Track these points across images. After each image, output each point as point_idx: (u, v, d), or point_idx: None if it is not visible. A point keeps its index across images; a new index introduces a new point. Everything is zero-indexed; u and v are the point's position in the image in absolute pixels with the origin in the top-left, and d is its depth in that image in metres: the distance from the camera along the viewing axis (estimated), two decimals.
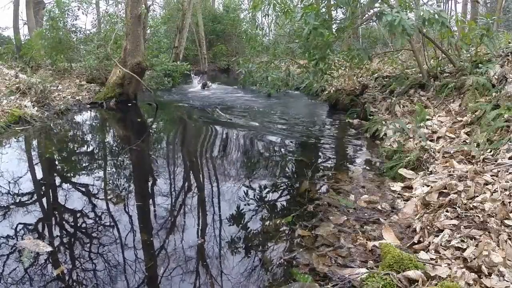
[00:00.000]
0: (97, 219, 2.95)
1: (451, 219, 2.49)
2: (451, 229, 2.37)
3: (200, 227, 2.86)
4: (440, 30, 4.95)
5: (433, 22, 4.45)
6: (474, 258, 2.02)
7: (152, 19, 14.77)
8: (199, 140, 5.72)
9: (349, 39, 9.07)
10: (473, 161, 3.33)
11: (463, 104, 4.69)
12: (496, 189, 2.65)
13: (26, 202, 3.26)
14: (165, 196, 3.48)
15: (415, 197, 3.06)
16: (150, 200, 3.45)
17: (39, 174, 4.16)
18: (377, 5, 5.17)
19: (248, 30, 12.43)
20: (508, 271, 1.89)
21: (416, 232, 2.52)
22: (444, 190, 2.90)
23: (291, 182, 3.81)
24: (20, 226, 2.76)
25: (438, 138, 4.10)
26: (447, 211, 2.59)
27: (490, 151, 3.32)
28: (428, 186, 3.09)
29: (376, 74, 8.52)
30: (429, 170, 3.47)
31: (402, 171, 3.60)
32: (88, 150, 5.19)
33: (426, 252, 2.23)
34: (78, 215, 3.01)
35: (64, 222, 2.93)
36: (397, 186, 3.39)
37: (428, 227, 2.50)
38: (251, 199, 3.36)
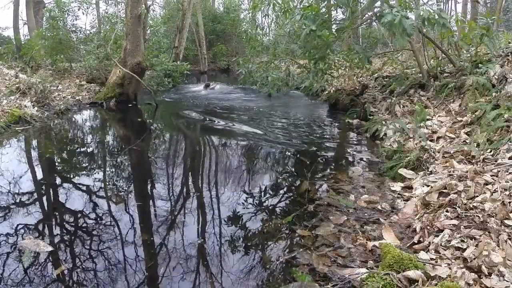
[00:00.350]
0: (97, 219, 2.96)
1: (451, 219, 2.49)
2: (451, 229, 2.37)
3: (200, 227, 2.87)
4: (440, 31, 4.95)
5: (433, 22, 4.45)
6: (474, 258, 2.02)
7: (152, 20, 14.78)
8: (199, 140, 5.72)
9: (349, 39, 9.07)
10: (473, 161, 3.33)
11: (463, 104, 4.70)
12: (496, 189, 2.65)
13: (27, 202, 3.26)
14: (165, 196, 3.48)
15: (415, 197, 3.06)
16: (150, 200, 3.45)
17: (39, 174, 4.16)
18: (377, 5, 5.18)
19: (248, 30, 12.44)
20: (508, 271, 1.89)
21: (416, 232, 2.52)
22: (444, 190, 2.91)
23: (291, 182, 3.81)
24: (20, 226, 2.76)
25: (438, 138, 4.10)
26: (447, 211, 2.59)
27: (490, 151, 3.32)
28: (428, 186, 3.10)
29: (376, 74, 8.52)
30: (429, 170, 3.47)
31: (402, 171, 3.60)
32: (88, 150, 5.19)
33: (426, 252, 2.23)
34: (78, 215, 3.01)
35: (64, 222, 2.93)
36: (397, 186, 3.39)
37: (428, 227, 2.50)
38: (251, 199, 3.36)
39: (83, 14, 12.20)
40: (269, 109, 8.50)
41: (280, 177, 3.97)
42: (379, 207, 3.03)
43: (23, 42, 12.42)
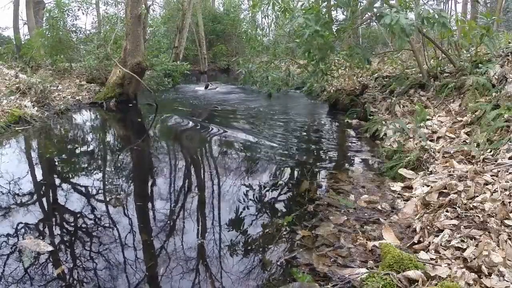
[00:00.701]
0: (97, 219, 2.96)
1: (451, 219, 2.49)
2: (451, 229, 2.37)
3: (200, 227, 2.87)
4: (440, 30, 4.95)
5: (433, 22, 4.44)
6: (474, 258, 2.02)
7: (152, 20, 14.78)
8: (199, 140, 5.72)
9: (349, 39, 9.07)
10: (473, 161, 3.33)
11: (463, 104, 4.70)
12: (496, 189, 2.65)
13: (27, 202, 3.26)
14: (165, 196, 3.48)
15: (415, 197, 3.06)
16: (150, 200, 3.45)
17: (39, 174, 4.16)
18: (377, 5, 5.17)
19: (248, 30, 12.44)
20: (508, 271, 1.89)
21: (416, 232, 2.53)
22: (444, 190, 2.91)
23: (291, 182, 3.81)
24: (20, 226, 2.76)
25: (438, 138, 4.10)
26: (447, 211, 2.59)
27: (490, 151, 3.32)
28: (428, 186, 3.10)
29: (376, 74, 8.52)
30: (429, 170, 3.47)
31: (402, 171, 3.60)
32: (88, 150, 5.19)
33: (426, 252, 2.23)
34: (79, 215, 3.01)
35: (64, 222, 2.93)
36: (397, 186, 3.39)
37: (428, 227, 2.50)
38: (251, 199, 3.36)
39: (83, 14, 12.20)
40: (269, 109, 8.50)
41: (280, 177, 3.97)
42: (379, 207, 3.03)
43: (23, 42, 12.41)
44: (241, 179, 3.88)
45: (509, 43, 5.91)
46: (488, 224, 2.29)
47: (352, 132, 5.94)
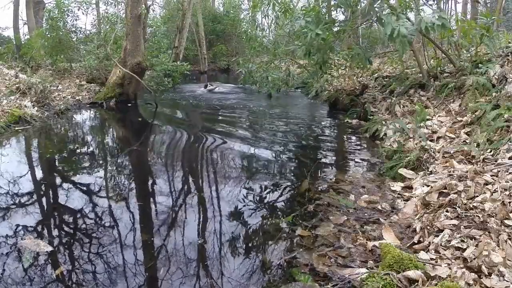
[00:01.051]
0: (97, 219, 2.96)
1: (451, 219, 2.49)
2: (451, 229, 2.37)
3: (200, 227, 2.87)
4: (440, 31, 4.94)
5: (432, 28, 4.43)
6: (474, 258, 2.02)
7: (152, 20, 14.79)
8: (199, 139, 5.72)
9: (349, 39, 9.07)
10: (473, 161, 3.33)
11: (463, 104, 4.70)
12: (496, 189, 2.65)
13: (27, 202, 3.26)
14: (165, 196, 3.48)
15: (415, 197, 3.06)
16: (150, 200, 3.45)
17: (39, 174, 4.16)
18: (377, 5, 5.17)
19: (248, 30, 12.43)
20: (508, 271, 1.89)
21: (416, 232, 2.53)
22: (444, 190, 2.91)
23: (291, 182, 3.81)
24: (20, 226, 2.76)
25: (438, 138, 4.10)
26: (447, 211, 2.59)
27: (490, 151, 3.32)
28: (428, 186, 3.10)
29: (376, 74, 8.52)
30: (429, 170, 3.47)
31: (402, 171, 3.60)
32: (88, 150, 5.19)
33: (426, 252, 2.23)
34: (79, 215, 3.01)
35: (64, 222, 2.93)
36: (397, 186, 3.39)
37: (428, 227, 2.50)
38: (251, 199, 3.36)
39: (83, 14, 12.21)
40: (269, 109, 8.51)
41: (280, 177, 3.97)
42: (379, 207, 3.03)
43: (23, 42, 12.41)
44: (241, 180, 3.88)
45: (509, 43, 5.91)
46: (488, 224, 2.29)
47: (352, 132, 5.94)
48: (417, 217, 2.75)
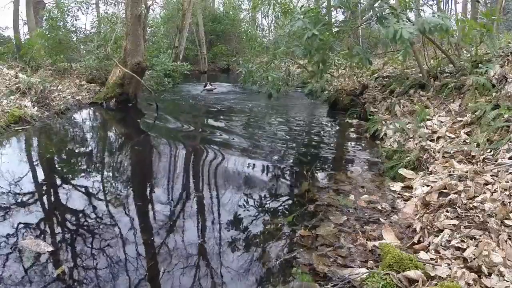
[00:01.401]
0: (97, 219, 2.95)
1: (451, 219, 2.49)
2: (451, 229, 2.37)
3: (200, 227, 2.87)
4: (442, 34, 4.94)
5: (434, 30, 4.42)
6: (474, 258, 2.02)
7: (152, 20, 14.79)
8: (200, 139, 5.72)
9: (349, 39, 9.06)
10: (473, 161, 3.33)
11: (463, 104, 4.70)
12: (496, 189, 2.65)
13: (27, 202, 3.26)
14: (166, 195, 3.48)
15: (415, 197, 3.06)
16: (151, 199, 3.45)
17: (40, 174, 4.15)
18: (376, 5, 5.16)
19: (248, 30, 12.43)
20: (508, 271, 1.90)
21: (416, 232, 2.53)
22: (444, 190, 2.91)
23: (291, 182, 3.81)
24: (21, 226, 2.76)
25: (438, 138, 4.10)
26: (447, 211, 2.59)
27: (490, 151, 3.32)
28: (428, 186, 3.10)
29: (376, 74, 8.52)
30: (429, 170, 3.47)
31: (402, 171, 3.60)
32: (88, 150, 5.18)
33: (426, 252, 2.23)
34: (79, 215, 3.01)
35: (65, 222, 2.93)
36: (397, 186, 3.39)
37: (428, 227, 2.50)
38: (251, 199, 3.36)
39: (83, 14, 12.23)
40: (268, 109, 8.51)
41: (280, 177, 3.97)
42: (379, 207, 3.03)
43: (23, 42, 12.41)
44: (241, 180, 3.88)
45: (509, 43, 5.91)
46: (488, 224, 2.29)
47: (352, 132, 5.94)
48: (417, 217, 2.76)
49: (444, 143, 3.92)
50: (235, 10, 23.43)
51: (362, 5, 5.52)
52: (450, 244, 2.22)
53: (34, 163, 4.55)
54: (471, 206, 2.56)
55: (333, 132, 6.39)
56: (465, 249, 2.14)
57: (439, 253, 2.19)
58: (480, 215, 2.41)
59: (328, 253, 2.37)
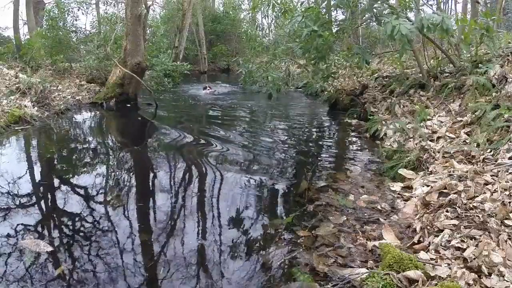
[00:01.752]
0: (97, 219, 2.95)
1: (451, 219, 2.49)
2: (451, 229, 2.37)
3: (200, 227, 2.86)
4: (443, 34, 4.94)
5: (434, 29, 4.43)
6: (474, 258, 2.02)
7: (152, 20, 14.79)
8: (199, 139, 5.71)
9: (349, 39, 9.06)
10: (473, 161, 3.33)
11: (463, 104, 4.70)
12: (496, 189, 2.65)
13: (27, 202, 3.26)
14: (165, 195, 3.48)
15: (415, 197, 3.06)
16: (150, 200, 3.45)
17: (40, 174, 4.16)
18: (376, 5, 5.17)
19: (248, 30, 12.42)
20: (508, 271, 1.89)
21: (416, 232, 2.53)
22: (444, 190, 2.91)
23: (291, 182, 3.81)
24: (21, 226, 2.76)
25: (438, 138, 4.10)
26: (447, 211, 2.59)
27: (490, 151, 3.32)
28: (428, 186, 3.10)
29: (376, 74, 8.52)
30: (429, 170, 3.47)
31: (402, 171, 3.60)
32: (88, 150, 5.18)
33: (426, 252, 2.23)
34: (79, 215, 3.01)
35: (64, 222, 2.92)
36: (397, 186, 3.39)
37: (428, 227, 2.50)
38: (251, 199, 3.36)
39: (83, 14, 12.25)
40: (268, 109, 8.51)
41: (280, 177, 3.96)
42: (379, 207, 3.03)
43: (23, 42, 12.41)
44: (241, 179, 3.88)
45: (509, 43, 5.91)
46: (488, 224, 2.29)
47: (352, 132, 5.94)
48: (417, 217, 2.76)
49: (444, 143, 3.92)
50: (235, 10, 23.43)
51: (362, 5, 5.53)
52: (450, 244, 2.22)
53: (34, 163, 4.55)
54: (471, 206, 2.56)
55: (333, 132, 6.38)
56: (465, 249, 2.13)
57: (439, 253, 2.19)
58: (480, 215, 2.41)
59: (328, 253, 2.36)
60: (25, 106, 6.67)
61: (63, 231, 2.77)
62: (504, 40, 6.18)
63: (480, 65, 4.92)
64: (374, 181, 3.65)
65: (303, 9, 5.71)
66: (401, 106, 5.72)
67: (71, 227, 2.83)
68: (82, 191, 3.53)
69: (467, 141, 3.76)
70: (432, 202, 2.82)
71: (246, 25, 22.05)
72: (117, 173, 4.25)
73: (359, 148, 5.12)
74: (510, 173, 2.82)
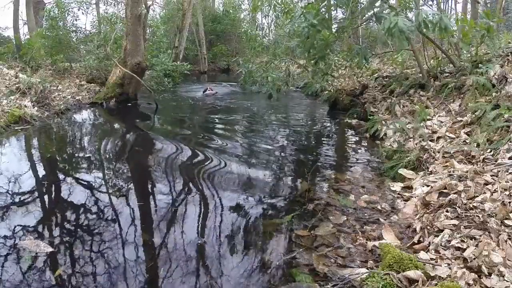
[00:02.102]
0: (97, 219, 2.95)
1: (451, 219, 2.49)
2: (451, 229, 2.37)
3: (200, 227, 2.86)
4: (442, 34, 4.94)
5: (433, 27, 4.42)
6: (474, 258, 2.02)
7: (152, 20, 14.79)
8: (199, 138, 5.71)
9: (349, 39, 9.07)
10: (473, 161, 3.33)
11: (463, 104, 4.70)
12: (496, 189, 2.65)
13: (27, 202, 3.26)
14: (165, 196, 3.47)
15: (415, 197, 3.06)
16: (151, 200, 3.45)
17: (39, 174, 4.15)
18: (376, 5, 5.16)
19: (248, 30, 12.41)
20: (508, 271, 1.89)
21: (416, 232, 2.53)
22: (444, 190, 2.91)
23: (291, 182, 3.81)
24: (20, 227, 2.76)
25: (438, 138, 4.10)
26: (447, 211, 2.59)
27: (490, 151, 3.32)
28: (428, 186, 3.10)
29: (376, 74, 8.52)
30: (429, 170, 3.47)
31: (402, 171, 3.60)
32: (87, 150, 5.18)
33: (426, 252, 2.23)
34: (79, 215, 3.01)
35: (64, 223, 2.92)
36: (397, 186, 3.39)
37: (428, 227, 2.50)
38: (251, 199, 3.35)
39: (83, 14, 12.26)
40: (268, 109, 8.51)
41: (280, 177, 3.96)
42: (379, 207, 3.03)
43: (23, 42, 12.41)
44: (240, 179, 3.88)
45: (509, 43, 5.91)
46: (488, 224, 2.29)
47: (352, 132, 5.94)
48: (417, 217, 2.75)
49: (444, 143, 3.91)
50: (235, 10, 23.42)
51: (362, 4, 5.53)
52: (450, 244, 2.21)
53: (34, 163, 4.55)
54: (471, 206, 2.56)
55: (333, 132, 6.38)
56: (465, 249, 2.13)
57: (439, 253, 2.19)
58: (480, 215, 2.41)
59: (328, 253, 2.36)
60: (25, 106, 6.67)
61: (63, 232, 2.77)
62: (504, 40, 6.18)
63: (480, 65, 4.92)
64: (374, 181, 3.65)
65: (302, 6, 5.71)
66: (401, 106, 5.72)
67: (71, 228, 2.83)
68: (81, 191, 3.53)
69: (467, 141, 3.76)
70: (432, 202, 2.82)
71: (246, 25, 22.05)
72: (117, 173, 4.24)
73: (359, 148, 5.12)
74: (510, 173, 2.82)
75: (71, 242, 2.58)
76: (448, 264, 2.06)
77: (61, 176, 4.05)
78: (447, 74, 5.94)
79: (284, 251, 2.45)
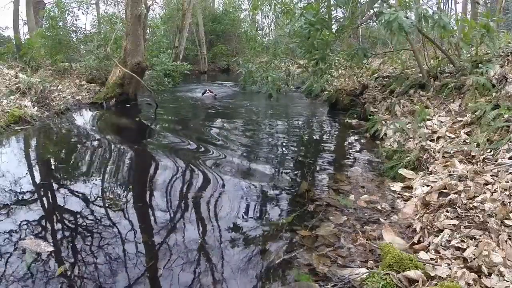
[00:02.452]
0: (97, 218, 2.95)
1: (451, 219, 2.49)
2: (451, 229, 2.37)
3: (200, 227, 2.86)
4: (441, 32, 4.95)
5: (433, 24, 4.43)
6: (474, 258, 2.02)
7: (152, 20, 14.79)
8: (199, 138, 5.71)
9: (349, 39, 9.07)
10: (473, 161, 3.33)
11: (463, 104, 4.70)
12: (496, 189, 2.65)
13: (27, 202, 3.26)
14: (165, 195, 3.47)
15: (415, 197, 3.06)
16: (151, 200, 3.45)
17: (39, 174, 4.15)
18: (376, 5, 5.17)
19: (248, 30, 12.40)
20: (508, 271, 1.90)
21: (416, 232, 2.53)
22: (444, 190, 2.91)
23: (291, 182, 3.81)
24: (21, 226, 2.76)
25: (438, 138, 4.10)
26: (447, 211, 2.59)
27: (490, 151, 3.32)
28: (428, 186, 3.10)
29: (376, 74, 8.51)
30: (429, 170, 3.47)
31: (402, 171, 3.60)
32: (88, 150, 5.18)
33: (426, 252, 2.23)
34: (79, 215, 3.01)
35: (65, 222, 2.93)
36: (397, 186, 3.39)
37: (428, 227, 2.50)
38: (252, 199, 3.36)
39: (83, 14, 12.26)
40: (268, 109, 8.51)
41: (280, 178, 3.97)
42: (379, 207, 3.03)
43: (23, 42, 12.41)
44: (242, 180, 3.88)
45: (509, 43, 5.91)
46: (488, 224, 2.29)
47: (352, 132, 5.94)
48: (417, 217, 2.76)
49: (444, 143, 3.92)
50: (235, 10, 23.42)
51: (362, 4, 5.53)
52: (450, 244, 2.22)
53: (34, 163, 4.55)
54: (471, 206, 2.56)
55: (333, 132, 6.38)
56: (465, 249, 2.14)
57: (439, 253, 2.19)
58: (480, 215, 2.41)
59: (328, 253, 2.37)
60: (25, 106, 6.67)
61: (63, 231, 2.77)
62: (504, 40, 6.18)
63: (480, 65, 4.92)
64: (374, 181, 3.65)
65: (301, 6, 5.72)
66: (401, 106, 5.72)
67: (71, 227, 2.83)
68: (81, 191, 3.52)
69: (467, 141, 3.76)
70: (432, 202, 2.82)
71: (246, 25, 22.04)
72: (117, 173, 4.24)
73: (359, 148, 5.12)
74: (510, 173, 2.82)
75: (71, 242, 2.58)
76: (448, 264, 2.06)
77: (61, 177, 4.05)
78: (447, 74, 5.94)
79: (284, 251, 2.45)
